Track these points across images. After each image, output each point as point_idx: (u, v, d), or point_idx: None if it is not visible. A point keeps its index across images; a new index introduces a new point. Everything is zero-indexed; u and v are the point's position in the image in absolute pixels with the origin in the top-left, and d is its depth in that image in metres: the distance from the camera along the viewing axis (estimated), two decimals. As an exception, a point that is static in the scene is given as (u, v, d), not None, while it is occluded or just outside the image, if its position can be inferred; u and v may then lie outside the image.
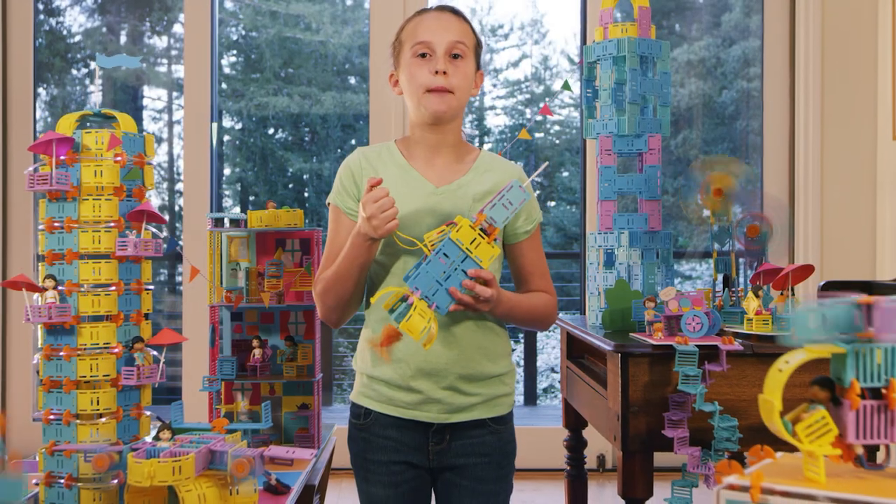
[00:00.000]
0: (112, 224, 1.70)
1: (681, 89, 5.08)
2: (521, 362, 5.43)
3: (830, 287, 2.88)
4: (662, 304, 1.90)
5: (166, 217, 4.43)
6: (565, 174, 6.12)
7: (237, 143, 6.05)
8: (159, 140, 5.83)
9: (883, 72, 3.67)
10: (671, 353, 1.77)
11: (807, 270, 1.92)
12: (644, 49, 2.10)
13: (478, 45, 1.74)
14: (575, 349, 2.39)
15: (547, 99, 5.95)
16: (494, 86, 6.40)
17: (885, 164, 3.65)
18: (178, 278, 5.61)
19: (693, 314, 1.86)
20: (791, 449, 1.10)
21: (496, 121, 6.60)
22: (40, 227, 1.73)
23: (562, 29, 6.36)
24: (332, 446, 2.26)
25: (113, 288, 1.70)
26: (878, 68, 3.71)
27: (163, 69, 5.62)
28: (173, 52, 5.69)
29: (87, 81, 5.27)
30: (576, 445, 2.49)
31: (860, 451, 1.05)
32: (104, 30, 5.27)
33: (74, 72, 5.20)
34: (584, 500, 2.50)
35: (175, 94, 5.84)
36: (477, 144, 6.18)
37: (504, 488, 1.72)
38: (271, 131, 6.20)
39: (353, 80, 6.08)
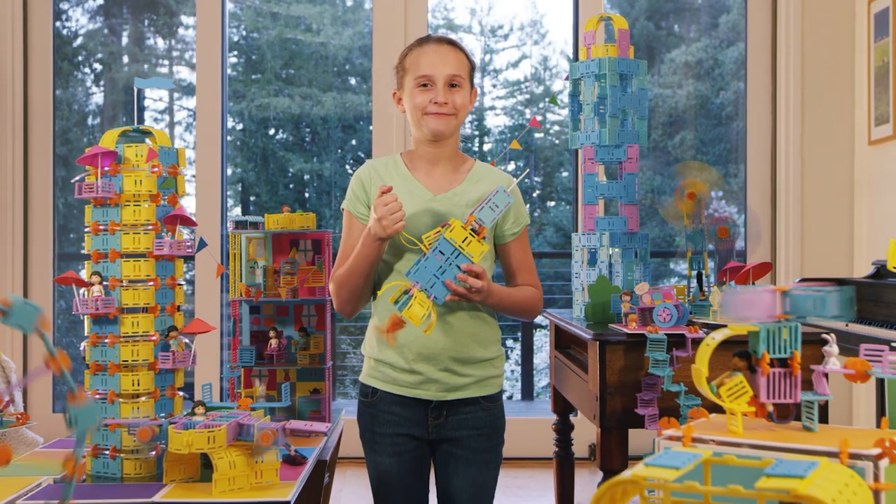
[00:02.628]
0: (150, 227, 2.02)
1: (678, 90, 5.37)
2: (520, 360, 5.74)
3: (805, 283, 3.20)
4: (638, 298, 2.22)
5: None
6: (564, 174, 6.36)
7: (238, 143, 6.28)
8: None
9: (860, 81, 4.00)
10: (643, 340, 2.08)
11: (765, 268, 2.23)
12: (623, 68, 2.42)
13: (472, 69, 2.06)
14: (562, 340, 2.72)
15: (544, 101, 6.24)
16: (494, 86, 6.61)
17: (862, 169, 3.99)
18: (181, 278, 5.90)
19: (664, 306, 2.18)
20: (723, 412, 1.41)
21: (496, 121, 6.80)
22: (86, 229, 2.05)
23: (561, 30, 6.55)
24: (341, 429, 2.58)
25: (151, 283, 2.02)
26: (854, 78, 4.04)
27: (164, 70, 5.90)
28: (174, 54, 5.96)
29: (90, 83, 5.55)
30: (563, 428, 2.82)
31: (770, 408, 1.37)
32: (106, 31, 5.55)
33: (77, 73, 5.48)
34: (571, 479, 2.82)
35: (176, 95, 6.11)
36: (476, 144, 6.46)
37: (494, 458, 2.04)
38: (272, 132, 6.42)
39: (353, 81, 6.28)
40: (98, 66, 5.54)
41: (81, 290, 2.02)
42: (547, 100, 6.24)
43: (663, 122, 5.44)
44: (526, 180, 6.30)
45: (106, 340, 2.00)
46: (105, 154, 2.00)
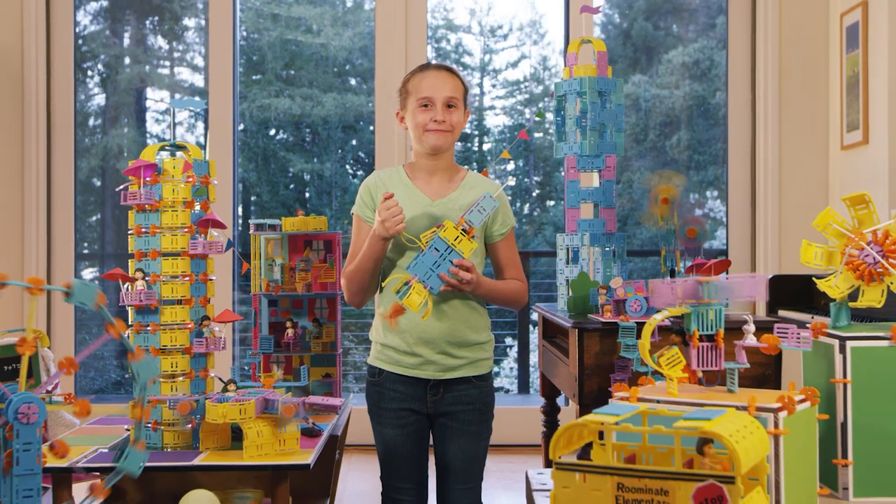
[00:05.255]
0: (185, 229, 2.45)
1: (675, 91, 5.77)
2: (517, 356, 6.17)
3: (777, 280, 3.65)
4: (613, 291, 2.66)
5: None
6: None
7: (239, 144, 6.59)
8: (162, 141, 6.48)
9: (833, 90, 4.47)
10: (616, 328, 2.50)
11: (725, 264, 2.66)
12: (602, 86, 2.86)
13: (466, 92, 2.50)
14: (549, 330, 3.16)
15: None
16: (494, 86, 6.95)
17: (835, 172, 4.46)
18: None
19: (635, 298, 2.61)
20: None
21: (495, 120, 7.13)
22: (129, 231, 2.48)
23: (560, 30, 6.89)
24: (349, 411, 3.01)
25: (186, 278, 2.45)
26: (829, 87, 4.52)
27: (165, 70, 6.28)
28: (175, 55, 6.34)
29: (92, 84, 5.93)
30: (550, 410, 3.27)
31: (700, 374, 1.80)
32: (108, 33, 5.94)
33: (79, 74, 5.85)
34: (559, 458, 3.26)
35: (178, 95, 6.47)
36: (476, 144, 6.86)
37: (485, 429, 2.48)
38: (273, 132, 6.76)
39: (353, 82, 6.60)
40: (101, 68, 5.90)
41: (125, 285, 2.45)
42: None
43: (660, 122, 5.82)
44: (525, 180, 6.71)
45: (148, 328, 2.43)
46: (147, 167, 2.44)
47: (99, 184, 5.66)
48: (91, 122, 5.82)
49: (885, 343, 1.80)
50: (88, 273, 5.59)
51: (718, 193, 5.65)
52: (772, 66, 4.56)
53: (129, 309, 2.46)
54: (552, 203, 6.87)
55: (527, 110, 6.79)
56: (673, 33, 6.05)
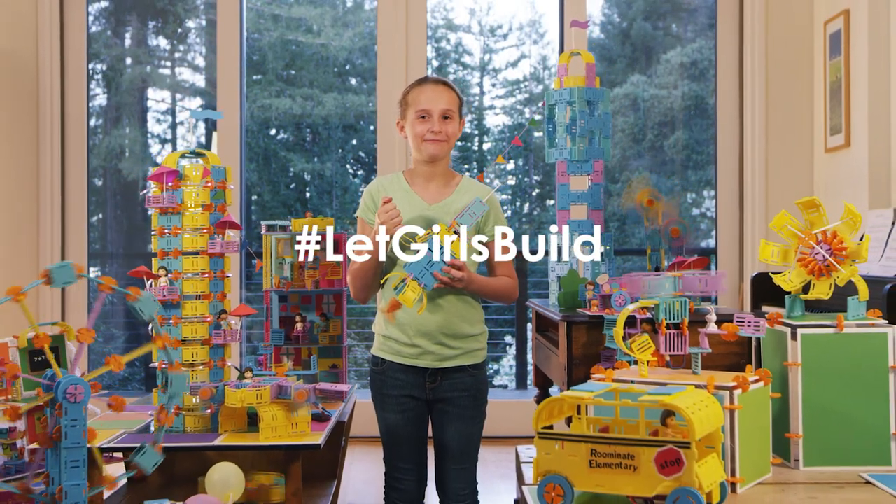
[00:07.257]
0: (204, 230, 2.76)
1: (674, 91, 6.06)
2: (515, 352, 6.48)
3: (761, 277, 3.96)
4: (599, 287, 2.96)
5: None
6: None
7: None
8: (163, 142, 6.79)
9: (817, 94, 4.80)
10: (602, 320, 2.81)
11: (703, 261, 2.98)
12: (590, 96, 3.16)
13: (461, 103, 2.81)
14: (541, 324, 3.47)
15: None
16: (493, 85, 7.22)
17: (819, 173, 4.78)
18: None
19: (620, 293, 2.92)
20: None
21: (495, 120, 7.39)
22: (153, 232, 2.79)
23: (559, 30, 7.14)
24: (354, 401, 3.33)
25: (206, 275, 2.76)
26: (813, 91, 4.85)
27: (166, 71, 6.57)
28: (176, 55, 6.62)
29: (93, 84, 6.20)
30: (542, 399, 3.57)
31: (667, 358, 2.12)
32: (109, 33, 6.22)
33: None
34: (552, 445, 3.57)
35: (179, 95, 6.75)
36: (476, 144, 7.15)
37: (479, 414, 2.80)
38: (273, 132, 7.04)
39: (353, 82, 6.86)
40: (103, 68, 6.17)
41: (149, 281, 2.76)
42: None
43: (658, 121, 6.11)
44: (525, 179, 7.02)
45: (170, 321, 2.74)
46: (169, 173, 2.75)
47: (101, 184, 5.96)
48: (93, 122, 6.05)
49: (831, 330, 2.11)
50: (92, 272, 5.89)
51: (716, 193, 5.95)
52: (759, 70, 4.89)
53: (152, 304, 2.76)
54: (551, 202, 7.11)
55: (526, 109, 7.01)
56: (672, 33, 6.30)
